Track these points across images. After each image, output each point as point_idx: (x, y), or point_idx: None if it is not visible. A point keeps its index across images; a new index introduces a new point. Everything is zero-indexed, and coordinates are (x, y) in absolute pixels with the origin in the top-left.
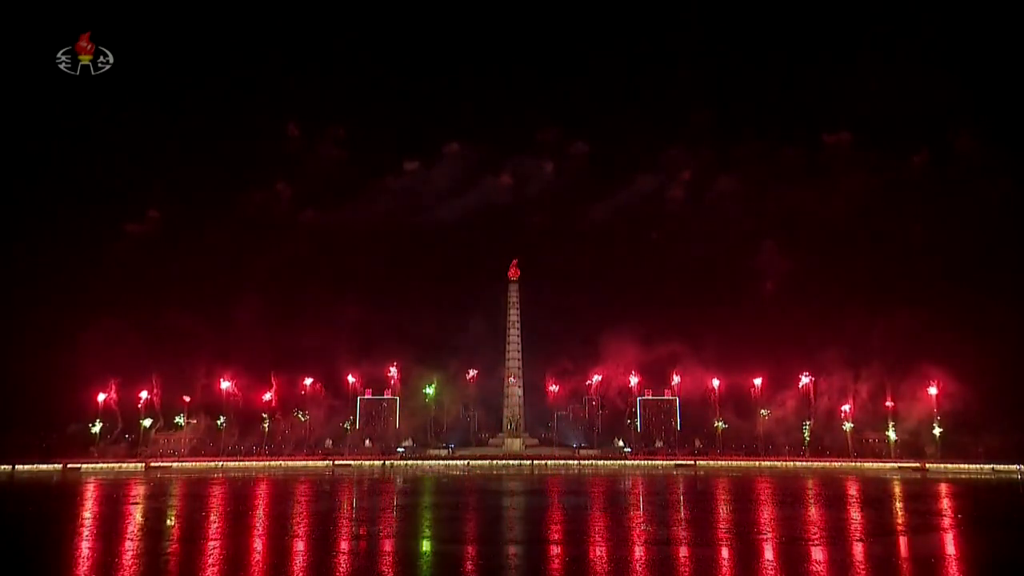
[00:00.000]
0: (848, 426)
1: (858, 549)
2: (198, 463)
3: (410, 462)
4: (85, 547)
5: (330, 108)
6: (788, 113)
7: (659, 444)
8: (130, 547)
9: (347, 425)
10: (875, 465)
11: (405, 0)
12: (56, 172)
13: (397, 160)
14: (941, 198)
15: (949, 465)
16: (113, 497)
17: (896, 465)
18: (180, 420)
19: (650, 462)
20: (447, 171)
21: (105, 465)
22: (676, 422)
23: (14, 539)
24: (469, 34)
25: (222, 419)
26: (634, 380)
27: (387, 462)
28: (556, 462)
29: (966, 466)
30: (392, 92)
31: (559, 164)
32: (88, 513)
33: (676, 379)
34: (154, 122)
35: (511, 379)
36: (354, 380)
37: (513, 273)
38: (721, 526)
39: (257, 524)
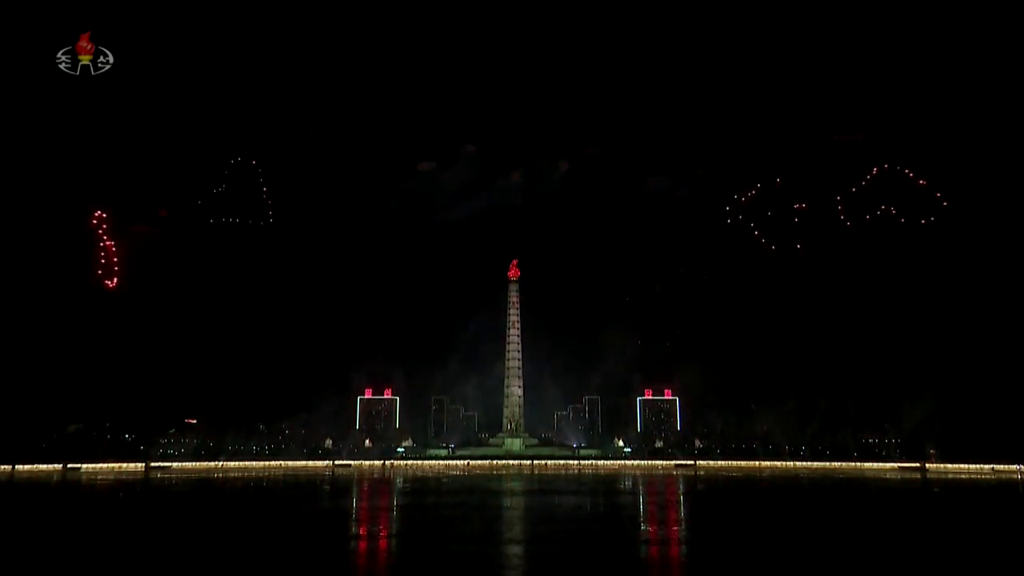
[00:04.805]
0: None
1: None
2: (198, 464)
3: (410, 462)
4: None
5: (337, 109)
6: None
7: (659, 444)
8: None
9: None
10: (875, 466)
11: (419, 1)
12: (59, 171)
13: (408, 161)
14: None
15: (949, 465)
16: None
17: (896, 466)
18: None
19: (650, 462)
20: (454, 173)
21: (105, 465)
22: (676, 422)
23: None
24: (480, 36)
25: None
26: (634, 380)
27: (387, 462)
28: (556, 462)
29: (966, 466)
30: (403, 94)
31: (563, 166)
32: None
33: (676, 379)
34: (161, 121)
35: (511, 379)
36: (354, 380)
37: (513, 273)
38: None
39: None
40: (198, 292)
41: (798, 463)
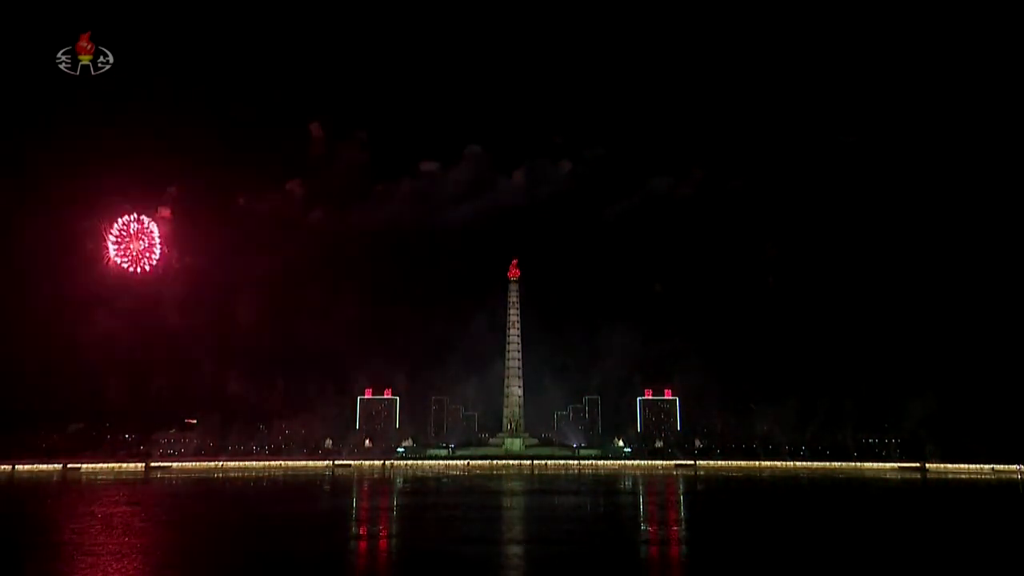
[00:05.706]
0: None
1: None
2: (199, 463)
3: (410, 462)
4: None
5: (341, 109)
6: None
7: (659, 444)
8: None
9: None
10: (875, 466)
11: (424, 4)
12: (61, 171)
13: (411, 162)
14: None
15: (949, 465)
16: None
17: (896, 466)
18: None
19: (650, 462)
20: (457, 173)
21: (105, 465)
22: (676, 422)
23: None
24: (483, 38)
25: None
26: (634, 380)
27: (387, 462)
28: (556, 462)
29: (966, 466)
30: (408, 95)
31: (563, 166)
32: None
33: (676, 379)
34: (168, 119)
35: (511, 379)
36: (355, 380)
37: (513, 273)
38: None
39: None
40: (198, 292)
41: (798, 463)
